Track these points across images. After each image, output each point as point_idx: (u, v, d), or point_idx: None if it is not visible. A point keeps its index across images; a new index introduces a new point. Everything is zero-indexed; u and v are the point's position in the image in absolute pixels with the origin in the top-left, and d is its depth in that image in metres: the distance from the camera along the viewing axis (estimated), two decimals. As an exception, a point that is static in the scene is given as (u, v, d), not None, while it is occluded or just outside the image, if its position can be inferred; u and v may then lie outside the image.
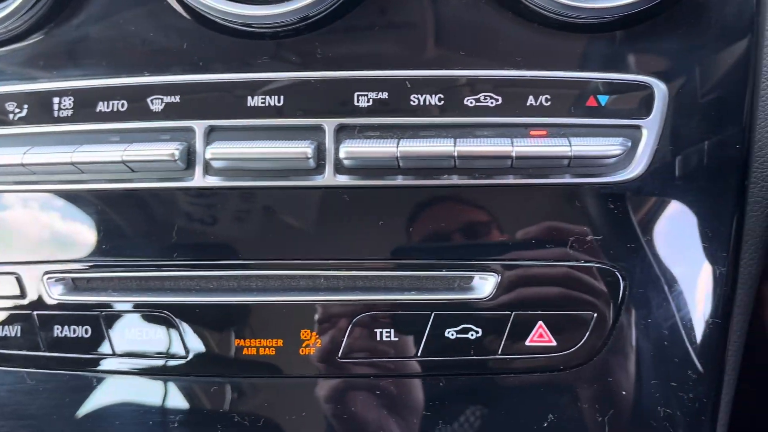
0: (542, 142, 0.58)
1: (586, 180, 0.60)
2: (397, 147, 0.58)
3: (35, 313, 0.63)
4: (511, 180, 0.60)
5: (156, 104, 0.62)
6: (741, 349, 0.64)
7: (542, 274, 0.60)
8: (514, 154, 0.57)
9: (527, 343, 0.60)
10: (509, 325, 0.60)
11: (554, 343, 0.60)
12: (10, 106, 0.64)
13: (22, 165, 0.61)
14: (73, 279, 0.64)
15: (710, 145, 0.60)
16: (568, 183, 0.60)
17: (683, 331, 0.60)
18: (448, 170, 0.60)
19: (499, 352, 0.60)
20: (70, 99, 0.63)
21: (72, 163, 0.61)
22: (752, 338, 0.64)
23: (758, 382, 0.70)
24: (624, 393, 0.60)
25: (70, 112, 0.63)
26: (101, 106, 0.63)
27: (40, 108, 0.64)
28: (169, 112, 0.62)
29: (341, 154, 0.59)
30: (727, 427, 0.64)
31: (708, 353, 0.60)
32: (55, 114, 0.63)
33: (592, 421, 0.60)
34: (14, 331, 0.64)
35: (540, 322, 0.60)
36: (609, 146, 0.58)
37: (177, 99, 0.62)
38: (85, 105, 0.63)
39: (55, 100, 0.64)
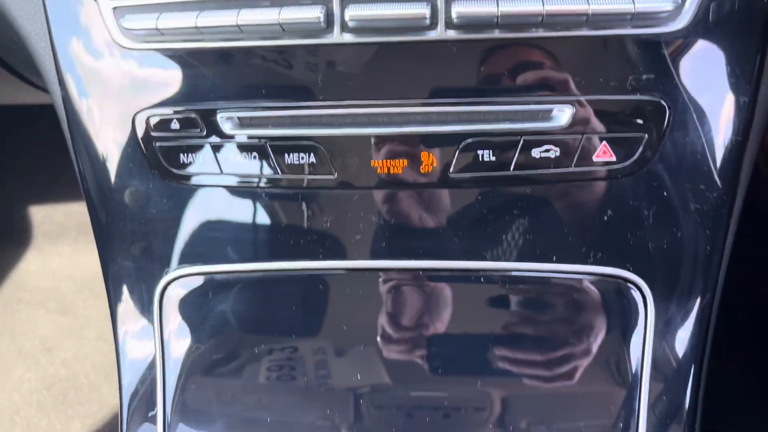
0: (611, 0, 0.74)
1: (644, 30, 0.76)
2: (497, 7, 0.74)
3: (209, 142, 0.82)
4: (585, 32, 0.76)
5: None
6: (753, 161, 0.83)
7: (607, 105, 0.78)
8: (590, 12, 0.73)
9: (594, 158, 0.79)
10: (580, 145, 0.79)
11: (614, 158, 0.79)
12: None
13: (195, 27, 0.77)
14: (239, 117, 0.81)
15: None
16: (629, 33, 0.76)
17: (715, 146, 0.79)
18: (535, 25, 0.76)
19: (573, 165, 0.79)
20: None
21: (237, 25, 0.76)
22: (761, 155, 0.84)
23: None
24: (665, 193, 0.80)
25: None
26: None
27: None
28: None
29: (452, 14, 0.75)
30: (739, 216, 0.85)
31: (731, 164, 0.80)
32: None
33: (639, 213, 0.80)
34: (193, 158, 0.82)
35: (604, 142, 0.79)
36: (664, 3, 0.74)
37: None
38: None
39: None
